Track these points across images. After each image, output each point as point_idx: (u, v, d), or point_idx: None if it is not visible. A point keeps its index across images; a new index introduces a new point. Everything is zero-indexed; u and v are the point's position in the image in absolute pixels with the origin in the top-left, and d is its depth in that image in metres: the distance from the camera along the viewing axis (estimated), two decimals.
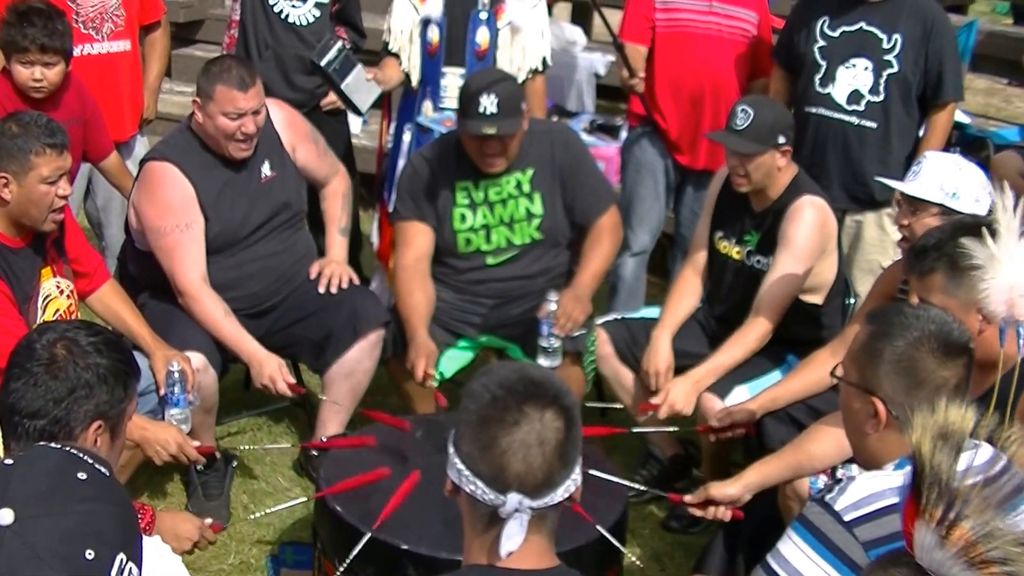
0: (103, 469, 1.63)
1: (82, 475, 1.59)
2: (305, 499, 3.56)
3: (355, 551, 2.92)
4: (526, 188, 4.07)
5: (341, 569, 2.94)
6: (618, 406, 4.06)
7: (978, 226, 2.68)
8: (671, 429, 3.92)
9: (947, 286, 2.68)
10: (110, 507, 1.58)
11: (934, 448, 1.57)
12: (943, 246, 2.74)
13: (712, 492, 3.08)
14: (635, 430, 3.92)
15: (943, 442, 1.57)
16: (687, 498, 3.13)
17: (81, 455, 1.63)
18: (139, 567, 1.59)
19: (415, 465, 3.14)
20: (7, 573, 1.49)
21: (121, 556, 1.55)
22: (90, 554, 1.51)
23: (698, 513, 3.12)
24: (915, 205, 3.46)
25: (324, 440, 4.01)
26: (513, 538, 1.78)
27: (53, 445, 1.80)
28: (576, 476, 1.84)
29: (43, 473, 1.58)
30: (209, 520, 3.00)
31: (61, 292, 3.59)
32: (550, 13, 5.55)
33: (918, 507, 1.56)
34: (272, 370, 3.83)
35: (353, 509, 3.04)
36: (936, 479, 1.55)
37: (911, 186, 3.48)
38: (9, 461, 1.60)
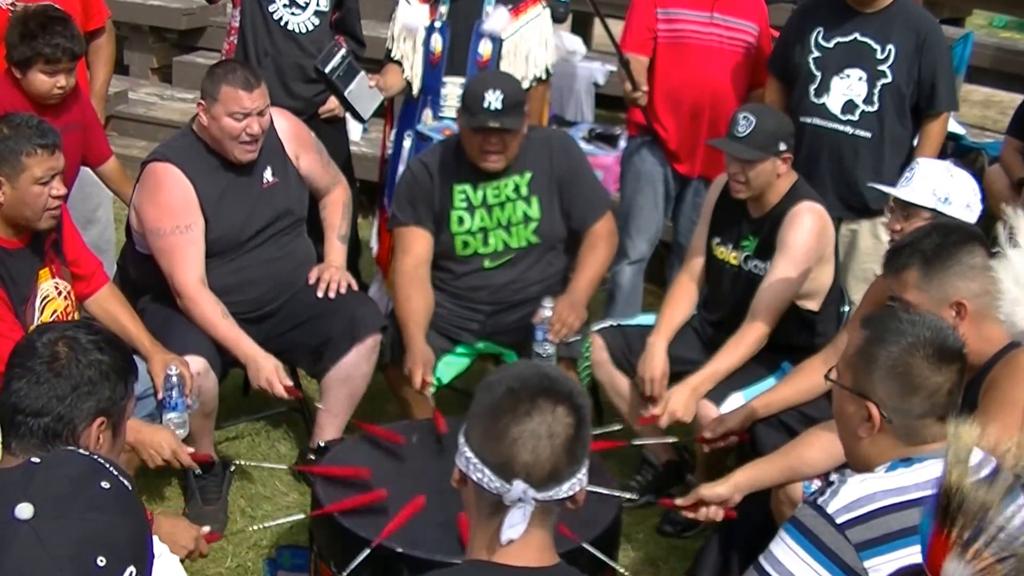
0: (126, 482, 1.64)
1: (105, 484, 1.59)
2: (302, 515, 3.46)
3: (355, 562, 2.92)
4: (524, 191, 4.09)
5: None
6: (616, 427, 3.91)
7: (957, 228, 2.75)
8: (671, 440, 3.93)
9: (920, 282, 2.70)
10: (126, 520, 1.58)
11: (964, 474, 1.64)
12: (918, 243, 2.77)
13: (703, 492, 3.09)
14: (635, 442, 3.92)
15: (970, 468, 1.65)
16: (679, 501, 3.15)
17: (107, 465, 1.64)
18: None
19: (417, 485, 3.12)
20: (17, 569, 1.50)
21: (132, 569, 1.56)
22: (101, 561, 1.52)
23: (690, 515, 3.14)
24: (907, 210, 3.49)
25: (320, 445, 4.03)
26: (516, 526, 1.81)
27: (81, 451, 1.80)
28: (582, 476, 1.86)
29: (66, 477, 1.58)
30: (207, 528, 2.99)
31: (59, 293, 3.59)
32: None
33: (946, 534, 1.65)
34: (269, 372, 3.83)
35: (350, 515, 3.05)
36: (966, 505, 1.64)
37: (904, 191, 3.51)
38: (35, 460, 1.61)
